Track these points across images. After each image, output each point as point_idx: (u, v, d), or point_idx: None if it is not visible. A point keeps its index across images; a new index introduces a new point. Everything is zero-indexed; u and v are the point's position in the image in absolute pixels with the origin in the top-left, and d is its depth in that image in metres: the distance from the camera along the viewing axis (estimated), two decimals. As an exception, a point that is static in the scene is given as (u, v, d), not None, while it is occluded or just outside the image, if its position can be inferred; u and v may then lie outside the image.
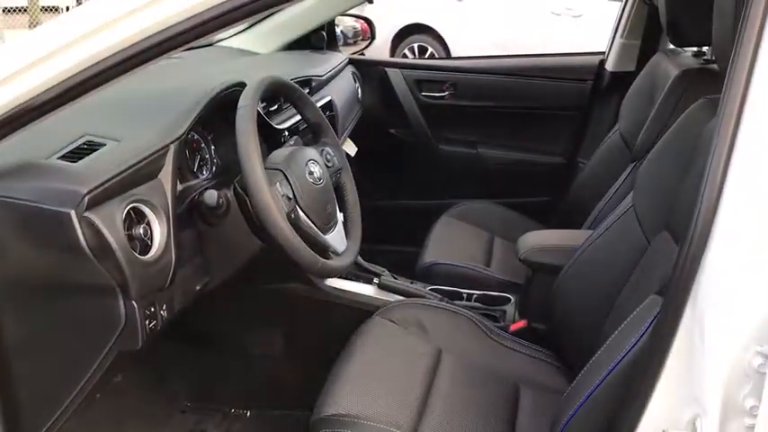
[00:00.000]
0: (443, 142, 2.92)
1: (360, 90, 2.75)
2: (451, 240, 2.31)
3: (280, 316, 1.96)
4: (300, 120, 1.76)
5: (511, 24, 6.46)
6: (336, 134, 2.15)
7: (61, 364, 1.21)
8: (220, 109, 1.49)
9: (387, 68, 2.88)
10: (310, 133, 1.72)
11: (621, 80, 2.56)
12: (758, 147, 0.84)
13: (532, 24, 6.36)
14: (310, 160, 1.49)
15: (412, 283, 2.03)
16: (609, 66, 2.69)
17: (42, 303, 1.16)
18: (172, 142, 1.29)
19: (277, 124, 1.73)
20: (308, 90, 2.07)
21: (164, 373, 1.93)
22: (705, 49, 2.02)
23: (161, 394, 1.95)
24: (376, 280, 1.97)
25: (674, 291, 0.90)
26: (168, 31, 1.00)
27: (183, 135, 1.33)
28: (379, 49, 6.27)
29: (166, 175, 1.26)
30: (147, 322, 1.20)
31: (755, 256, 0.83)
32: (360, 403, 1.38)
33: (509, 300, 1.98)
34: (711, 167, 0.86)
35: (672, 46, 2.16)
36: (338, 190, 1.64)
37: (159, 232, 1.21)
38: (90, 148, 1.21)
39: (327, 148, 1.63)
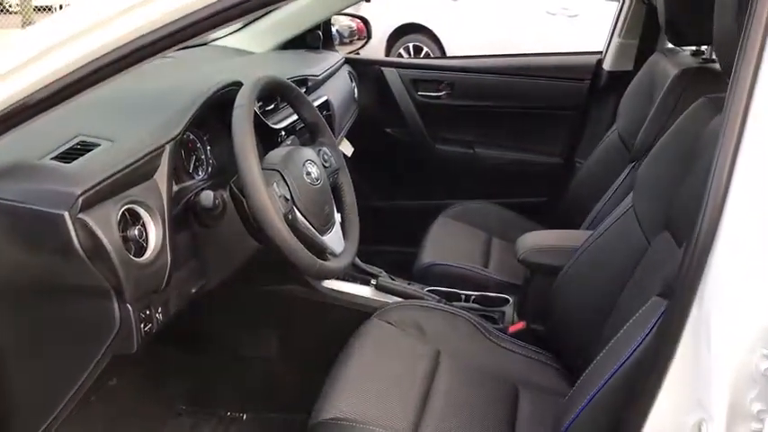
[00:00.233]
0: (440, 142, 2.90)
1: (356, 90, 2.74)
2: (449, 241, 2.29)
3: (276, 318, 1.95)
4: (297, 119, 1.75)
5: (506, 24, 6.44)
6: (333, 134, 2.14)
7: (55, 367, 1.20)
8: (216, 109, 1.47)
9: (383, 68, 2.87)
10: (307, 133, 1.71)
11: (619, 80, 2.56)
12: (764, 147, 0.83)
13: (528, 24, 6.34)
14: (307, 160, 1.48)
15: (410, 284, 2.02)
16: (606, 65, 2.69)
17: (35, 306, 1.15)
18: (167, 142, 1.27)
19: (274, 124, 1.71)
20: (304, 90, 2.06)
21: (159, 376, 1.91)
22: (704, 48, 2.01)
23: (156, 397, 1.93)
24: (373, 281, 1.95)
25: (680, 292, 0.89)
26: (162, 30, 0.99)
27: (178, 135, 1.31)
28: (375, 49, 6.26)
29: (162, 175, 1.24)
30: (142, 325, 1.19)
31: (762, 257, 0.82)
32: (358, 406, 1.37)
33: (507, 301, 1.97)
34: (717, 168, 0.85)
35: (670, 45, 2.15)
36: (335, 190, 1.63)
37: (154, 234, 1.20)
38: (84, 148, 1.20)
39: (324, 149, 1.62)
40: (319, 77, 2.24)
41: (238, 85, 1.49)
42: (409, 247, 2.33)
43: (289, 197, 1.37)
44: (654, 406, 0.91)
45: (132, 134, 1.27)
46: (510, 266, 2.07)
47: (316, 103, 2.06)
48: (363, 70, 2.84)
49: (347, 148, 2.59)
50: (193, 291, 1.37)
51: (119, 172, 1.14)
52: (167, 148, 1.26)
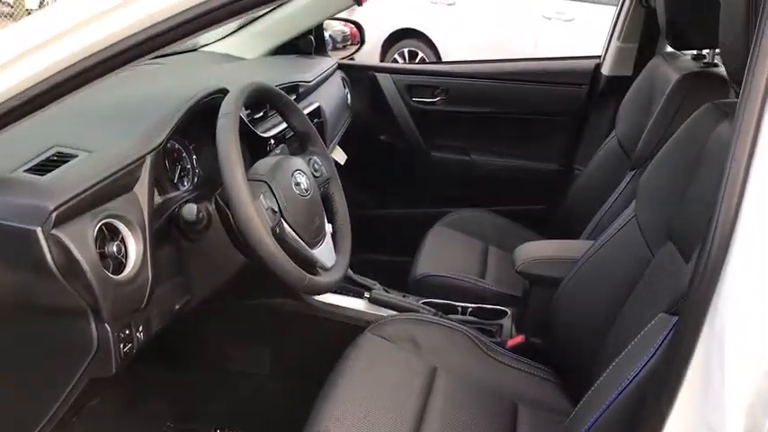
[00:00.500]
0: (435, 149, 2.86)
1: (349, 96, 2.70)
2: (445, 251, 2.25)
3: (266, 332, 1.90)
4: (287, 127, 1.70)
5: (502, 28, 6.42)
6: (325, 141, 2.10)
7: (29, 391, 1.15)
8: (201, 117, 1.42)
9: (377, 73, 2.82)
10: (297, 142, 1.65)
11: (618, 84, 2.52)
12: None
13: (524, 28, 6.32)
14: (297, 170, 1.42)
15: (404, 296, 1.97)
16: (605, 70, 2.64)
17: (8, 326, 1.10)
18: (148, 153, 1.22)
19: (262, 132, 1.66)
20: (295, 96, 2.01)
21: (144, 393, 1.86)
22: (705, 51, 1.96)
23: (141, 414, 1.88)
24: (367, 294, 1.91)
25: (691, 310, 0.85)
26: (141, 35, 0.94)
27: (160, 145, 1.26)
28: (369, 54, 6.24)
29: (142, 187, 1.19)
30: (121, 346, 1.14)
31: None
32: (351, 424, 1.33)
33: (505, 313, 1.92)
34: (729, 179, 0.81)
35: (670, 49, 2.10)
36: (327, 201, 1.58)
37: (134, 249, 1.15)
38: (60, 159, 1.15)
39: (315, 158, 1.57)
40: (311, 84, 2.19)
41: (224, 92, 1.44)
42: (404, 257, 2.28)
43: (276, 209, 1.31)
44: (663, 430, 0.86)
45: (112, 144, 1.21)
46: (508, 277, 2.02)
47: (307, 110, 2.02)
48: (357, 76, 2.80)
49: (340, 156, 2.54)
50: (177, 307, 1.31)
51: (96, 184, 1.09)
52: (148, 158, 1.21)
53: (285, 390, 1.85)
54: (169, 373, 1.87)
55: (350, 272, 1.89)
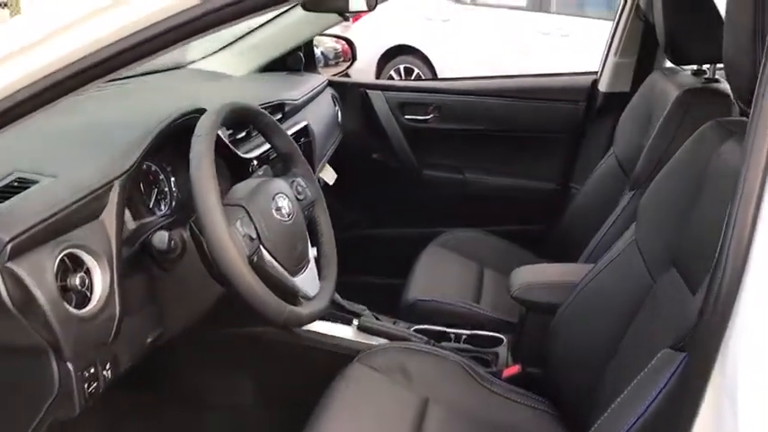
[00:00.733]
0: (428, 167, 2.79)
1: (340, 113, 2.64)
2: (438, 273, 2.18)
3: (249, 362, 1.82)
4: (271, 148, 1.63)
5: (498, 44, 6.39)
6: (313, 161, 2.03)
7: None
8: (177, 138, 1.35)
9: (368, 90, 2.76)
10: (280, 163, 1.58)
11: (616, 101, 2.45)
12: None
13: (521, 44, 6.29)
14: (278, 194, 1.35)
15: (395, 322, 1.90)
16: (602, 86, 2.58)
17: None
18: (117, 177, 1.15)
19: (244, 153, 1.60)
20: (280, 115, 1.95)
21: (117, 426, 1.77)
22: (705, 66, 1.90)
23: None
24: (356, 321, 1.83)
25: (699, 347, 0.79)
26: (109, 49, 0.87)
27: (131, 169, 1.19)
28: (365, 72, 6.19)
29: (110, 214, 1.13)
30: (85, 386, 1.07)
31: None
32: None
33: (501, 341, 1.85)
34: (740, 206, 0.75)
35: (669, 64, 2.04)
36: (311, 225, 1.51)
37: (100, 281, 1.08)
38: (21, 186, 1.08)
39: (299, 179, 1.50)
40: (298, 102, 2.13)
41: (201, 112, 1.37)
42: (396, 279, 2.21)
43: (255, 236, 1.24)
44: None
45: (78, 169, 1.15)
46: (504, 301, 1.94)
47: (294, 129, 1.96)
48: (348, 93, 2.74)
49: (329, 176, 2.48)
50: (149, 341, 1.24)
51: (58, 213, 1.02)
52: (116, 183, 1.14)
53: (269, 423, 1.78)
54: (145, 404, 1.78)
55: (338, 297, 1.82)
